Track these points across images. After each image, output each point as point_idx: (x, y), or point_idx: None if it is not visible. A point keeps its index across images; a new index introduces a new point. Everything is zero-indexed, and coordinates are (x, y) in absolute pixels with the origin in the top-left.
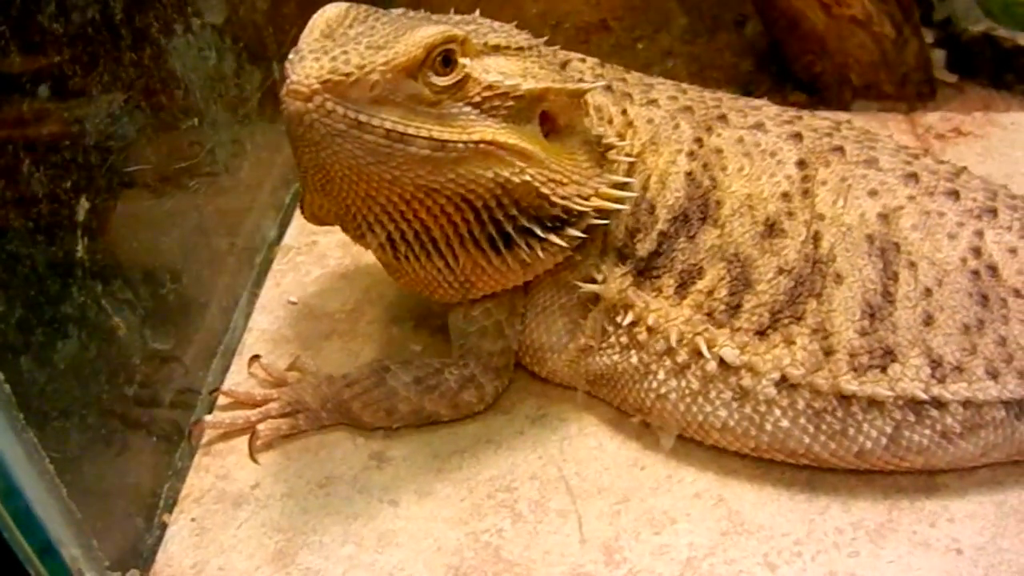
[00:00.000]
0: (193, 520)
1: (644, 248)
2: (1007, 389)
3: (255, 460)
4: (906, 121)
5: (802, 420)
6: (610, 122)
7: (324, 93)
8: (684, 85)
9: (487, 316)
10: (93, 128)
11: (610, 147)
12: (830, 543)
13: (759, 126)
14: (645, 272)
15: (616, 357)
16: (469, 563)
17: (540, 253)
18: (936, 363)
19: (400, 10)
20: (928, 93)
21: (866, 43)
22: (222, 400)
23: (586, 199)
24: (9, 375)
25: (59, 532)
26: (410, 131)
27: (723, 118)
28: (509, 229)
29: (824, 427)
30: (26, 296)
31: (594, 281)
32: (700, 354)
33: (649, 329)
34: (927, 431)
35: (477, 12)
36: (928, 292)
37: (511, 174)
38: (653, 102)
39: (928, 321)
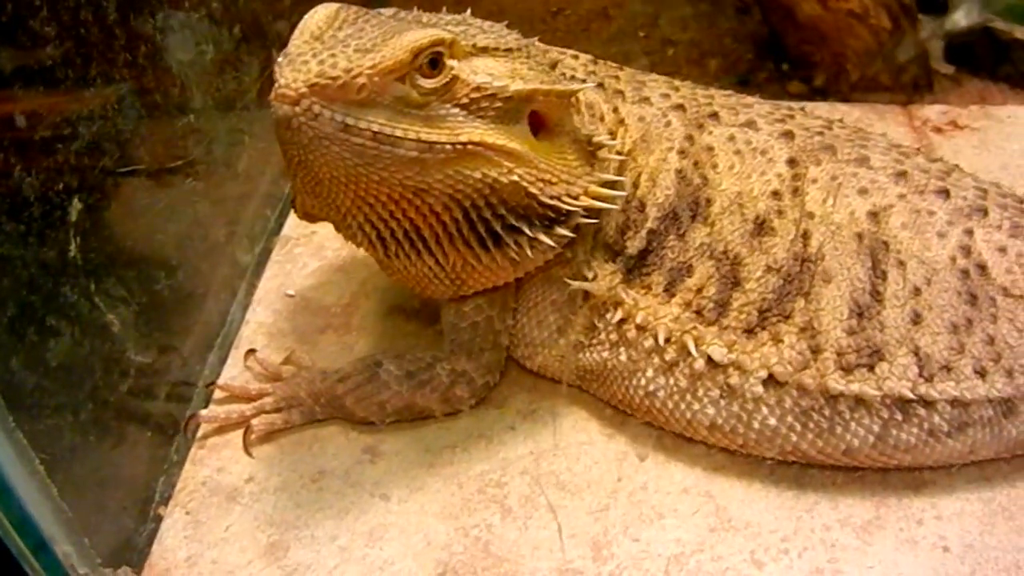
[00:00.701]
0: (188, 513)
1: (634, 246)
2: (995, 388)
3: (249, 454)
4: (903, 113)
5: (789, 418)
6: (601, 120)
7: (311, 97)
8: (677, 82)
9: (478, 312)
10: (86, 126)
11: (600, 146)
12: (817, 540)
13: (750, 124)
14: (635, 270)
15: (606, 354)
16: (458, 558)
17: (529, 251)
18: (924, 362)
19: (392, 10)
20: (925, 85)
21: (863, 35)
22: (218, 394)
23: (575, 198)
24: None
25: (51, 530)
26: (397, 133)
27: (715, 116)
28: (498, 228)
29: (812, 425)
30: (17, 296)
31: (584, 278)
32: (688, 352)
33: (638, 327)
34: (915, 430)
35: (468, 11)
36: (917, 291)
37: (499, 174)
38: (645, 100)
39: (916, 320)
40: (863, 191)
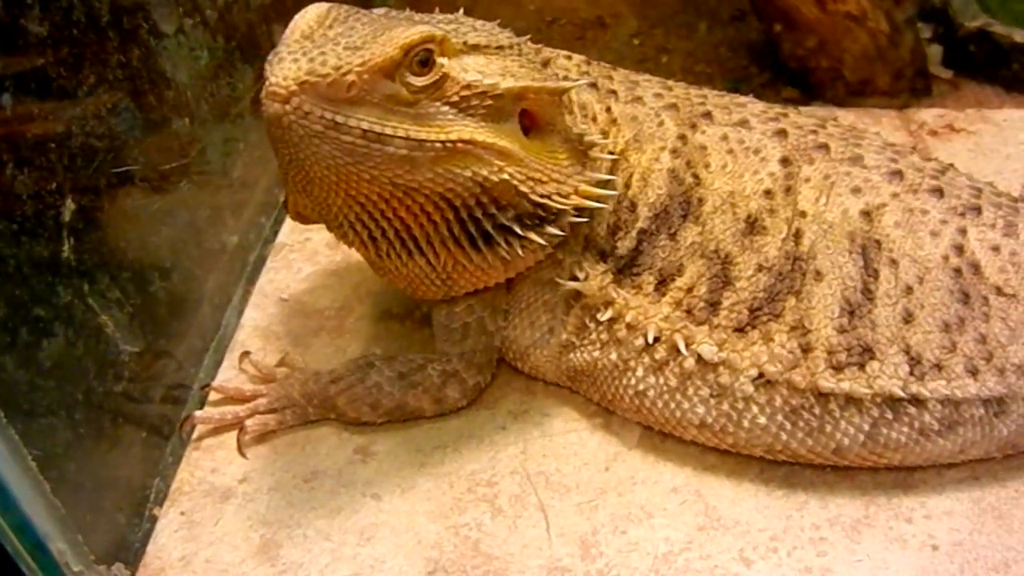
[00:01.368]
0: (182, 513)
1: (624, 246)
2: (986, 387)
3: (243, 454)
4: (899, 117)
5: (779, 417)
6: (594, 119)
7: (301, 95)
8: (670, 82)
9: (469, 312)
10: (80, 129)
11: (592, 145)
12: (806, 539)
13: (744, 123)
14: (626, 269)
15: (596, 353)
16: (448, 556)
17: (520, 251)
18: (915, 360)
19: (383, 9)
20: (923, 89)
21: (861, 38)
22: (213, 395)
23: (565, 197)
24: None
25: (46, 527)
26: (387, 131)
27: (708, 115)
28: (489, 227)
29: (802, 424)
30: (10, 296)
31: (576, 278)
32: (678, 351)
33: (628, 326)
34: (905, 428)
35: (461, 11)
36: (909, 289)
37: (489, 173)
38: (638, 99)
39: (908, 318)
40: (856, 190)
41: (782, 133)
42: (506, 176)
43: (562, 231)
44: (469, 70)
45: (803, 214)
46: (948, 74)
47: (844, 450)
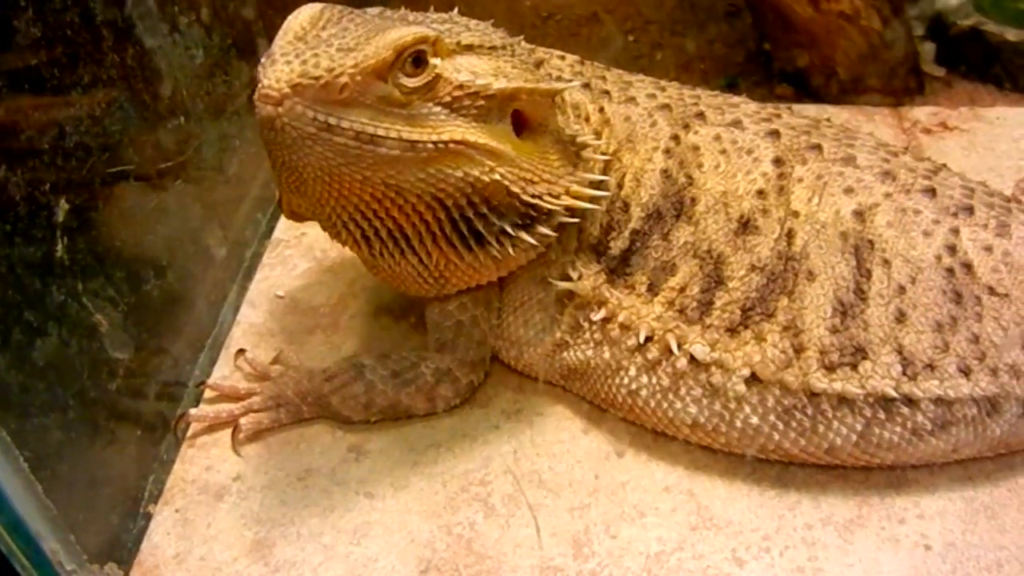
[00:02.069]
0: (177, 511)
1: (617, 246)
2: (979, 386)
3: (237, 453)
4: (893, 115)
5: (772, 417)
6: (587, 120)
7: (294, 97)
8: (664, 82)
9: (463, 311)
10: (74, 128)
11: (584, 146)
12: (799, 539)
13: (737, 123)
14: (619, 269)
15: (589, 352)
16: (441, 555)
17: (511, 250)
18: (907, 360)
19: (377, 9)
20: (916, 87)
21: (854, 37)
22: (208, 393)
23: (556, 198)
24: None
25: (38, 527)
26: (380, 132)
27: (701, 115)
28: (480, 227)
29: (794, 424)
30: (3, 296)
31: (569, 278)
32: (670, 351)
33: (621, 325)
34: (898, 428)
35: (455, 10)
36: (901, 289)
37: (481, 173)
38: (631, 100)
39: (900, 318)
40: (849, 190)
41: (775, 133)
42: (497, 176)
43: (553, 231)
44: (462, 70)
45: (796, 214)
46: (941, 72)
47: (837, 450)
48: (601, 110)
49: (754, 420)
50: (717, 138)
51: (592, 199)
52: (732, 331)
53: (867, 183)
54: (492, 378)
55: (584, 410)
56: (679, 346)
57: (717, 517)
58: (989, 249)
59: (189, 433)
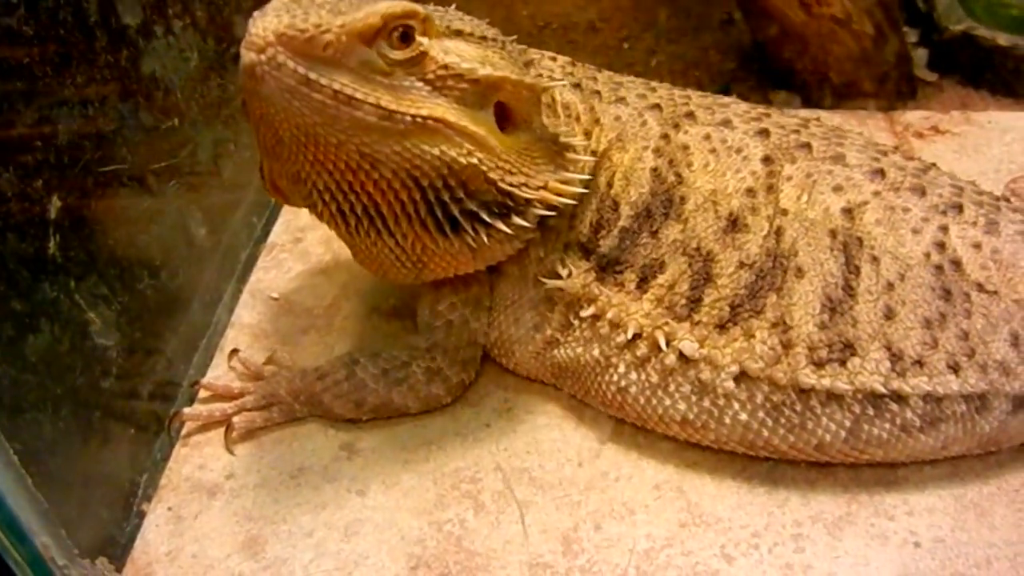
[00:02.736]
0: (170, 509)
1: (607, 244)
2: (968, 383)
3: (231, 451)
4: (885, 119)
5: (761, 413)
6: (577, 119)
7: (277, 46)
8: (654, 83)
9: (453, 310)
10: (66, 128)
11: (567, 147)
12: (788, 536)
13: (726, 123)
14: (608, 267)
15: (579, 350)
16: (431, 552)
17: (486, 239)
18: (896, 357)
19: None
20: (908, 92)
21: (846, 41)
22: (202, 392)
23: (534, 190)
24: None
25: (29, 521)
26: (358, 96)
27: (691, 115)
28: (455, 212)
29: (783, 420)
30: None
31: (559, 276)
32: (659, 347)
33: (610, 323)
34: (887, 424)
35: (452, 6)
36: (890, 286)
37: (458, 154)
38: (621, 100)
39: (889, 315)
40: (838, 188)
41: (764, 132)
42: (475, 160)
43: (529, 223)
44: (449, 52)
45: (785, 212)
46: (933, 77)
47: (826, 446)
48: (591, 109)
49: (743, 416)
50: (707, 137)
51: (570, 196)
52: (721, 328)
53: (856, 181)
54: (483, 377)
55: (575, 408)
56: (668, 343)
57: (706, 514)
58: (978, 246)
59: (183, 432)
